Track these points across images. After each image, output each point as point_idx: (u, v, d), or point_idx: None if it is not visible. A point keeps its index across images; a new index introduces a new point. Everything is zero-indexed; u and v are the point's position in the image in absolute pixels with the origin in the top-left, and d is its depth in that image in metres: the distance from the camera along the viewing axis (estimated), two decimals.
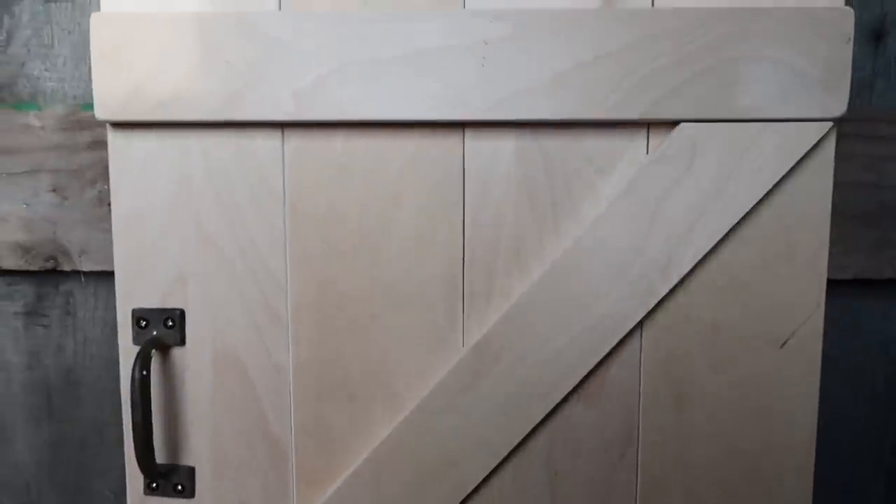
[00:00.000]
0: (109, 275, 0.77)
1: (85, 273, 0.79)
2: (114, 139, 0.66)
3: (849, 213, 0.77)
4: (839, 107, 0.61)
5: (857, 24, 0.77)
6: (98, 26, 0.63)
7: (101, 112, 0.64)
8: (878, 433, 0.83)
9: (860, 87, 0.77)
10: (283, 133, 0.65)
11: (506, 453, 0.66)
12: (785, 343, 0.65)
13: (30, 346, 0.83)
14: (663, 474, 0.67)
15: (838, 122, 0.62)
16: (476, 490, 0.67)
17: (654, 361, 0.66)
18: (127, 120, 0.64)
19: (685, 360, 0.66)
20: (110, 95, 0.64)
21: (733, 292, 0.65)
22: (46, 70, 0.77)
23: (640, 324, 0.65)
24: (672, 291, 0.65)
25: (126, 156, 0.66)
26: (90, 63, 0.69)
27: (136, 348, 0.66)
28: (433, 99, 0.62)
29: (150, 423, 0.65)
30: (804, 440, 0.66)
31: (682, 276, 0.64)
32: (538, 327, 0.65)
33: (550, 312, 0.65)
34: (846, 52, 0.61)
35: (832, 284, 0.67)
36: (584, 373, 0.65)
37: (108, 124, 0.65)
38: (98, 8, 0.64)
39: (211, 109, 0.64)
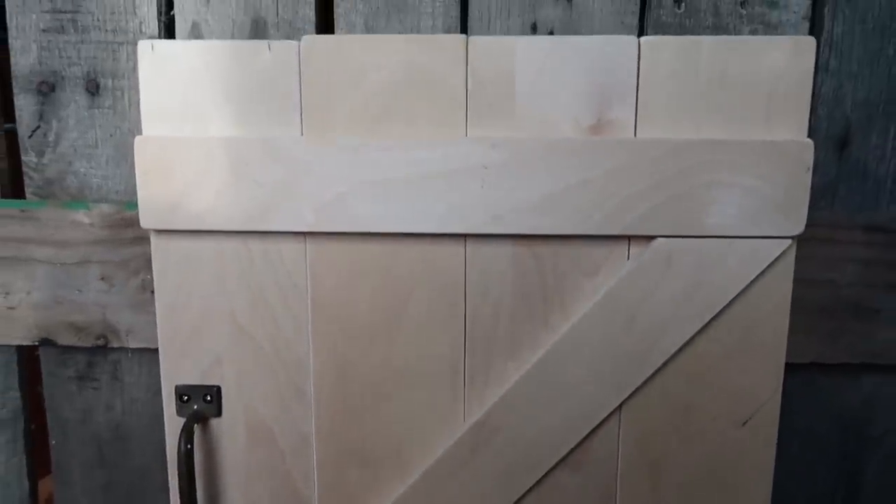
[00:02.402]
0: (152, 350, 0.87)
1: (131, 349, 0.90)
2: (156, 243, 0.74)
3: (809, 306, 0.85)
4: (798, 227, 0.69)
5: (823, 132, 0.84)
6: (141, 148, 0.71)
7: (146, 222, 0.73)
8: (831, 488, 0.93)
9: (824, 191, 0.84)
10: (305, 239, 0.73)
11: None
12: (746, 422, 0.75)
13: (83, 405, 0.94)
14: None
15: (797, 238, 0.70)
16: None
17: (630, 436, 0.75)
18: (168, 229, 0.73)
19: (658, 435, 0.75)
20: (153, 208, 0.72)
21: (701, 379, 0.74)
22: (91, 168, 0.85)
23: (619, 406, 0.74)
24: (647, 379, 0.74)
25: (168, 257, 0.74)
26: (131, 162, 0.77)
27: (180, 419, 0.76)
28: (438, 215, 0.71)
29: (195, 488, 0.75)
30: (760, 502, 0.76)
31: (655, 368, 0.73)
32: (530, 408, 0.74)
33: (540, 395, 0.74)
34: (805, 179, 0.68)
35: (794, 366, 0.76)
36: (570, 448, 0.75)
37: (151, 230, 0.74)
38: (137, 113, 0.72)
39: (242, 221, 0.72)
